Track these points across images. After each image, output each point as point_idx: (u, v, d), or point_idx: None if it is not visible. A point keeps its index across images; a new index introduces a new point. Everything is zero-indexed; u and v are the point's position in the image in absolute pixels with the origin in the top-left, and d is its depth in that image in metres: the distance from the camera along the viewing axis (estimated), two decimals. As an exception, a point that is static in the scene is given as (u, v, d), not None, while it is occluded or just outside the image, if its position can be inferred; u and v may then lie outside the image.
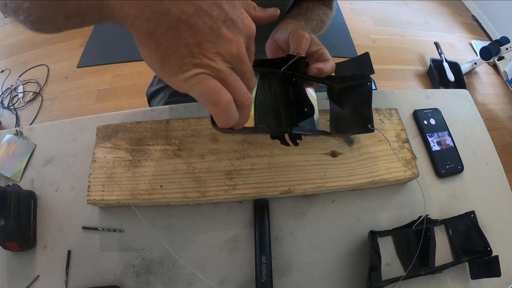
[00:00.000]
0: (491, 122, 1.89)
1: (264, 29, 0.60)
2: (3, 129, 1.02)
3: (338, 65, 0.50)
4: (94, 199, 0.48)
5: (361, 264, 0.50)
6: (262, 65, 0.46)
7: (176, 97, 0.74)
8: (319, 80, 0.48)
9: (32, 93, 1.72)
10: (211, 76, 0.24)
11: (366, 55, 0.47)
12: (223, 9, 0.24)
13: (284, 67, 0.44)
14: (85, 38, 1.94)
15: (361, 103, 0.46)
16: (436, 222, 0.52)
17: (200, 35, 0.23)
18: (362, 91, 0.46)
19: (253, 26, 0.26)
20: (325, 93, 0.52)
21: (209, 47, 0.24)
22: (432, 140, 0.61)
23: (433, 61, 1.98)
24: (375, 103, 0.46)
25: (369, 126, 0.44)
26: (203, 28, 0.23)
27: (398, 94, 0.67)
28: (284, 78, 0.46)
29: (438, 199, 0.57)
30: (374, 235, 0.49)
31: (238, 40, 0.25)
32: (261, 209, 0.51)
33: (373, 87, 1.71)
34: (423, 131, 0.62)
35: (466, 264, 0.51)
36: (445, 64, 1.94)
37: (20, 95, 1.71)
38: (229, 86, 0.25)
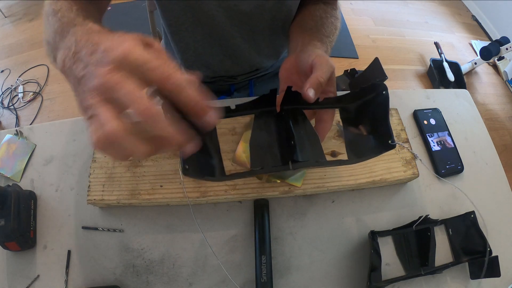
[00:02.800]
0: (491, 122, 1.89)
1: (265, 23, 0.59)
2: (3, 129, 1.02)
3: (353, 82, 0.47)
4: (94, 199, 0.48)
5: (361, 264, 0.50)
6: (256, 105, 0.43)
7: None
8: (328, 106, 0.43)
9: (32, 93, 1.72)
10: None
11: (376, 62, 0.44)
12: (95, 53, 0.26)
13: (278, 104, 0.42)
14: (85, 38, 1.94)
15: (378, 118, 0.40)
16: (436, 222, 0.52)
17: (83, 83, 0.26)
18: (377, 103, 0.40)
19: (120, 49, 0.25)
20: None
21: (86, 88, 0.25)
22: (432, 140, 0.61)
23: (433, 61, 1.98)
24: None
25: (390, 142, 0.38)
26: (86, 75, 0.26)
27: (398, 94, 0.67)
28: (279, 115, 0.44)
29: (438, 199, 0.57)
30: (374, 235, 0.49)
31: (100, 70, 0.24)
32: (261, 209, 0.51)
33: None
34: (423, 131, 0.62)
35: (466, 264, 0.51)
36: (445, 64, 1.94)
37: (20, 95, 1.71)
38: (95, 119, 0.24)
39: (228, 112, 0.42)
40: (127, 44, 0.25)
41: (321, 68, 0.39)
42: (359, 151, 0.42)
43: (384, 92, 0.39)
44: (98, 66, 0.25)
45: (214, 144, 0.41)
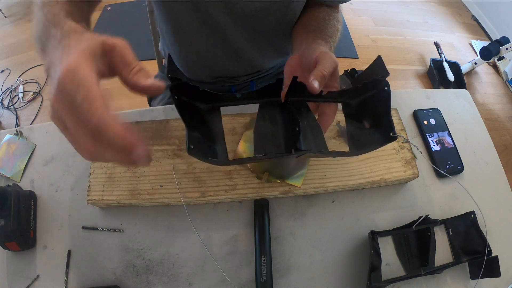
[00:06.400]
0: (491, 122, 1.89)
1: (270, 26, 0.59)
2: (3, 129, 1.02)
3: (355, 78, 0.48)
4: (94, 199, 0.48)
5: (361, 264, 0.50)
6: (262, 94, 0.44)
7: None
8: (331, 100, 0.44)
9: (32, 93, 1.72)
10: None
11: (378, 59, 0.45)
12: (51, 75, 0.27)
13: (284, 96, 0.43)
14: (85, 38, 1.94)
15: (379, 112, 0.41)
16: (436, 222, 0.52)
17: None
18: (379, 99, 0.41)
19: (58, 78, 0.25)
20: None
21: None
22: (432, 140, 0.61)
23: (433, 61, 1.98)
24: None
25: (391, 134, 0.38)
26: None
27: (398, 94, 0.67)
28: (283, 105, 0.45)
29: (438, 199, 0.57)
30: (374, 235, 0.49)
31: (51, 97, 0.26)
32: (261, 209, 0.51)
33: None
34: (423, 131, 0.62)
35: (466, 264, 0.51)
36: (445, 64, 1.94)
37: (20, 95, 1.71)
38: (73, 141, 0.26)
39: (234, 101, 0.43)
40: (62, 75, 0.25)
41: (324, 62, 0.40)
42: (361, 144, 0.43)
43: (386, 88, 0.40)
44: (51, 94, 0.25)
45: (219, 131, 0.42)
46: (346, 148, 0.52)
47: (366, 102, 0.44)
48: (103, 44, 0.28)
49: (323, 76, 0.39)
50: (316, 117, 0.44)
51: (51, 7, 0.34)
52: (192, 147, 0.33)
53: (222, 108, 0.44)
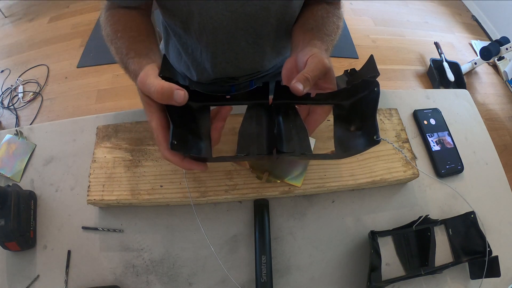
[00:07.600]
0: (491, 122, 1.89)
1: (268, 27, 0.59)
2: (3, 129, 1.02)
3: (350, 81, 0.48)
4: (94, 199, 0.48)
5: (361, 264, 0.50)
6: (250, 96, 0.44)
7: None
8: (320, 103, 0.44)
9: (32, 93, 1.72)
10: None
11: (370, 59, 0.45)
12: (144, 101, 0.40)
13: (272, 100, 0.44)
14: (85, 38, 1.94)
15: (367, 114, 0.40)
16: (436, 222, 0.52)
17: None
18: (368, 100, 0.40)
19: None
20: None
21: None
22: (432, 140, 0.61)
23: (433, 61, 1.98)
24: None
25: (375, 137, 0.37)
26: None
27: (398, 94, 0.67)
28: (270, 108, 0.45)
29: (438, 199, 0.57)
30: (374, 235, 0.49)
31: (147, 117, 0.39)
32: (261, 209, 0.51)
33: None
34: (423, 131, 0.62)
35: (466, 264, 0.51)
36: (445, 64, 1.94)
37: (20, 95, 1.71)
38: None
39: (222, 101, 0.44)
40: (147, 119, 0.39)
41: (310, 65, 0.41)
42: (346, 147, 0.42)
43: (376, 89, 0.40)
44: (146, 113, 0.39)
45: (206, 129, 0.42)
46: None
47: (357, 104, 0.43)
48: (143, 90, 0.37)
49: (306, 78, 0.39)
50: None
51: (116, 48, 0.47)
52: (175, 142, 0.34)
53: None
